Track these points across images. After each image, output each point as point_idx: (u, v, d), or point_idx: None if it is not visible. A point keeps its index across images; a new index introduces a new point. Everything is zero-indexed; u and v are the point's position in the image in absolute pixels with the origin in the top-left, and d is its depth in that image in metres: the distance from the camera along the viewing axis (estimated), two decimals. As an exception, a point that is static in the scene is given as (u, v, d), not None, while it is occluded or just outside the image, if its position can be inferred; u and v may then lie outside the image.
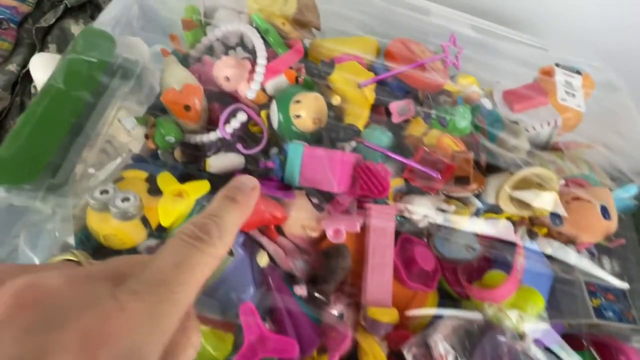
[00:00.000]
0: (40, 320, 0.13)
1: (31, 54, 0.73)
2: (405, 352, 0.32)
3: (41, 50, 0.73)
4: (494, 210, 0.45)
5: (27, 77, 0.72)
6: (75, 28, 0.77)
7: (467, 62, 0.53)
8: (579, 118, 0.55)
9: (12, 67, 0.71)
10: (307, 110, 0.41)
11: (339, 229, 0.36)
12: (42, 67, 0.56)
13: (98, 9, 0.82)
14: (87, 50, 0.34)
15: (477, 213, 0.45)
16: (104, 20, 0.37)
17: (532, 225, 0.45)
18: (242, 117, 0.40)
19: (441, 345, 0.32)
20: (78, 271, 0.16)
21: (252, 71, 0.43)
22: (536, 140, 0.53)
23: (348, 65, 0.46)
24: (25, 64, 0.72)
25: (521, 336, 0.34)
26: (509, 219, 0.45)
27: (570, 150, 0.53)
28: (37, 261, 0.28)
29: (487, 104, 0.52)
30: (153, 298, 0.15)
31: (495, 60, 0.56)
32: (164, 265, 0.16)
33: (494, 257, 0.42)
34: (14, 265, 0.16)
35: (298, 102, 0.41)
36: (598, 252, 0.45)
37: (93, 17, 0.80)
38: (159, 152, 0.43)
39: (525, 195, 0.40)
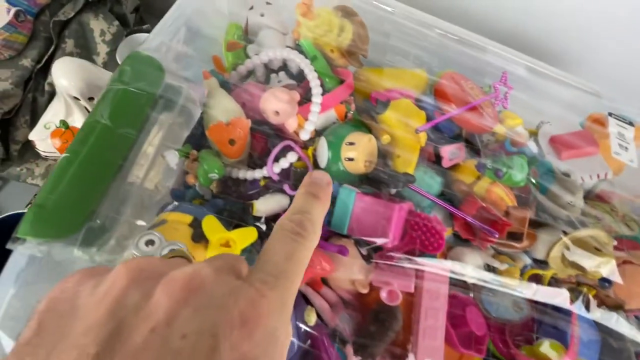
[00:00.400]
0: (207, 302, 0.15)
1: (47, 48, 0.68)
2: None
3: (58, 45, 0.69)
4: (540, 266, 0.43)
5: (40, 73, 0.68)
6: (95, 23, 0.72)
7: (513, 101, 0.51)
8: (622, 167, 0.53)
9: (27, 62, 0.66)
10: (360, 153, 0.38)
11: (394, 291, 0.34)
12: (64, 73, 0.52)
13: (118, 1, 0.77)
14: (135, 81, 0.31)
15: (523, 269, 0.43)
16: (151, 46, 0.34)
17: (578, 285, 0.44)
18: (292, 157, 0.38)
19: None
20: (214, 263, 0.17)
21: (300, 102, 0.41)
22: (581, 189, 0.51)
23: (401, 104, 0.43)
24: (40, 59, 0.68)
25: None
26: (554, 276, 0.43)
27: (617, 204, 0.51)
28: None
29: (533, 147, 0.51)
30: (280, 289, 0.16)
31: (540, 101, 0.54)
32: (279, 259, 0.17)
33: (541, 319, 0.40)
34: (161, 259, 0.18)
35: (351, 144, 0.38)
36: (642, 316, 0.44)
37: (112, 11, 0.76)
38: (196, 185, 0.40)
39: (582, 259, 0.39)
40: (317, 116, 0.38)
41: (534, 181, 0.43)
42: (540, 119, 0.57)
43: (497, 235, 0.38)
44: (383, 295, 0.34)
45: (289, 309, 0.17)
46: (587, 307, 0.39)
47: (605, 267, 0.38)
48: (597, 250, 0.39)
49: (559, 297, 0.38)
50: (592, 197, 0.52)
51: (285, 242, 0.18)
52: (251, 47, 0.47)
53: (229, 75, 0.43)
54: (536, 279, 0.43)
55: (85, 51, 0.71)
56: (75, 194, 0.26)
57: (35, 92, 0.68)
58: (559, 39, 0.66)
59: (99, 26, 0.72)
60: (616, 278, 0.38)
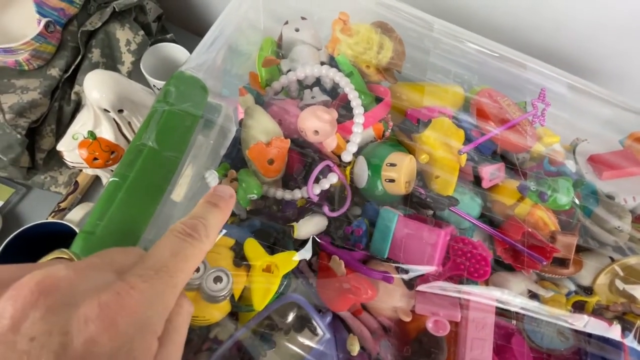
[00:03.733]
0: (61, 301, 0.15)
1: (74, 57, 0.68)
2: None
3: (85, 55, 0.69)
4: (585, 292, 0.42)
5: (67, 83, 0.68)
6: (121, 33, 0.73)
7: (549, 117, 0.50)
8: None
9: (54, 71, 0.67)
10: (402, 175, 0.37)
11: (441, 321, 0.32)
12: (96, 86, 0.52)
13: (142, 11, 0.78)
14: (180, 102, 0.30)
15: (567, 295, 0.41)
16: (195, 65, 0.33)
17: (624, 314, 0.42)
18: (332, 178, 0.37)
19: None
20: (79, 263, 0.18)
21: (337, 121, 0.40)
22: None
23: (440, 123, 0.42)
24: (67, 68, 0.68)
25: None
26: (598, 303, 0.42)
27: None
28: None
29: (571, 166, 0.49)
30: (156, 281, 0.17)
31: (578, 118, 0.53)
32: (163, 255, 0.19)
33: (588, 349, 0.38)
34: (16, 265, 0.18)
35: (393, 165, 0.37)
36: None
37: (137, 20, 0.76)
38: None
39: (636, 290, 0.37)
40: (360, 138, 0.37)
41: (579, 204, 0.42)
42: (577, 136, 0.56)
43: (545, 262, 0.36)
44: (429, 325, 0.33)
45: (169, 301, 0.18)
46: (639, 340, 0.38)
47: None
48: (648, 279, 0.38)
49: (612, 331, 0.36)
50: (634, 218, 0.50)
51: (173, 241, 0.19)
52: (285, 62, 0.46)
53: (264, 92, 0.43)
54: (580, 307, 0.41)
55: (111, 60, 0.72)
56: (123, 219, 0.26)
57: (62, 101, 0.68)
58: (596, 55, 0.64)
59: (124, 36, 0.73)
60: None
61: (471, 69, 0.44)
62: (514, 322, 0.39)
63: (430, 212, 0.41)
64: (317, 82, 0.47)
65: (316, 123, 0.37)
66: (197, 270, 0.28)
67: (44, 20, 0.62)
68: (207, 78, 0.34)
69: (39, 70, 0.66)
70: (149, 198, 0.27)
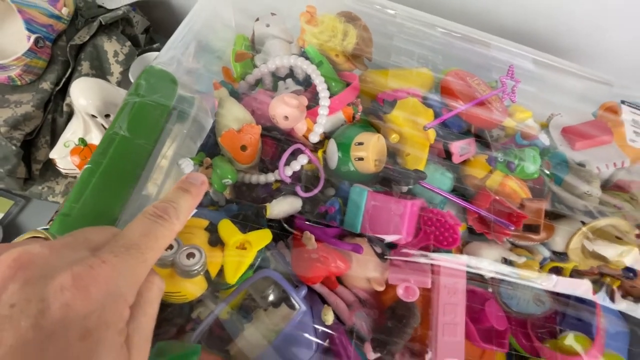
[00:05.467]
0: (37, 274, 0.17)
1: (64, 71, 0.71)
2: None
3: (74, 67, 0.72)
4: (560, 258, 0.43)
5: (59, 95, 0.71)
6: (109, 45, 0.75)
7: (522, 95, 0.51)
8: (638, 157, 0.52)
9: (46, 85, 0.70)
10: (370, 153, 0.38)
11: (411, 287, 0.34)
12: (83, 92, 0.55)
13: (129, 24, 0.81)
14: (150, 93, 0.32)
15: (542, 262, 0.42)
16: (164, 60, 0.36)
17: (601, 276, 0.43)
18: (302, 159, 0.38)
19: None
20: (54, 242, 0.20)
21: (308, 107, 0.41)
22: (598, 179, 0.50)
23: (408, 103, 0.43)
24: (58, 81, 0.71)
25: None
26: (575, 268, 0.42)
27: (635, 192, 0.50)
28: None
29: (544, 140, 0.50)
30: (127, 256, 0.19)
31: (550, 94, 0.54)
32: (134, 234, 0.20)
33: (564, 312, 0.39)
34: (3, 244, 0.20)
35: (360, 144, 0.39)
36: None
37: (124, 33, 0.79)
38: (210, 191, 0.41)
39: (604, 249, 0.38)
40: (326, 119, 0.39)
41: (547, 172, 0.43)
42: (551, 111, 0.56)
43: (512, 228, 0.37)
44: (400, 291, 0.34)
45: (140, 275, 0.20)
46: (612, 298, 0.38)
47: (629, 256, 0.37)
48: (618, 239, 0.38)
49: (581, 287, 0.37)
50: (610, 186, 0.51)
51: (144, 222, 0.21)
52: (259, 57, 0.48)
53: (238, 85, 0.45)
54: (557, 272, 0.42)
55: (100, 72, 0.74)
56: (98, 203, 0.28)
57: (55, 113, 0.71)
58: (568, 33, 0.65)
59: (112, 47, 0.75)
60: (634, 261, 0.38)
61: (435, 51, 0.45)
62: (490, 289, 0.40)
63: (405, 188, 0.42)
64: (291, 73, 0.49)
65: (285, 109, 0.39)
66: (171, 247, 0.30)
67: (33, 37, 0.65)
68: (177, 72, 0.36)
69: (32, 84, 0.69)
70: (121, 182, 0.29)
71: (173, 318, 0.34)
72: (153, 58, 0.57)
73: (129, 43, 0.77)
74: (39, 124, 0.69)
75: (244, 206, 0.40)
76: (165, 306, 0.34)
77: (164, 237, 0.22)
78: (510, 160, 0.41)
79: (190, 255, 0.30)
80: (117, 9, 0.77)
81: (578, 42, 0.65)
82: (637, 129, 0.48)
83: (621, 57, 0.63)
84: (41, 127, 0.69)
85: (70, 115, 0.71)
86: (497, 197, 0.39)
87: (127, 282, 0.19)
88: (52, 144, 0.69)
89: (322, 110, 0.39)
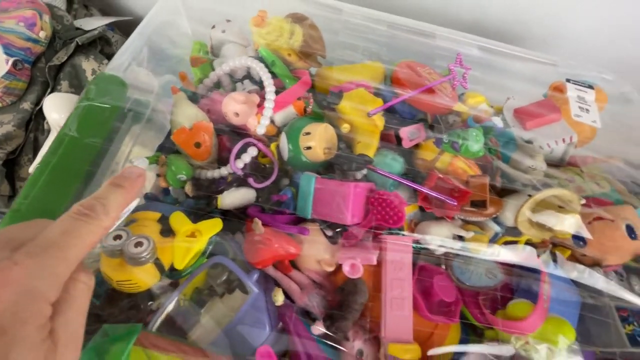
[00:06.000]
0: None
1: (44, 91, 0.74)
2: None
3: (54, 87, 0.75)
4: (513, 233, 0.44)
5: (40, 114, 0.74)
6: (87, 64, 0.79)
7: (476, 82, 0.53)
8: (594, 132, 0.54)
9: (26, 105, 0.72)
10: (317, 141, 0.40)
11: (355, 264, 0.35)
12: (55, 107, 0.57)
13: (108, 43, 0.84)
14: (99, 97, 0.35)
15: (495, 237, 0.43)
16: (116, 65, 0.38)
17: (554, 247, 0.44)
18: (252, 151, 0.40)
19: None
20: None
21: (261, 105, 0.44)
22: (550, 157, 0.52)
23: (356, 94, 0.45)
24: (38, 101, 0.74)
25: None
26: (529, 242, 0.43)
27: (589, 167, 0.51)
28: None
29: (498, 122, 0.52)
30: (44, 256, 0.20)
31: (504, 79, 0.56)
32: (54, 233, 0.21)
33: (517, 284, 0.40)
34: None
35: (308, 133, 0.41)
36: (627, 273, 0.43)
37: (103, 52, 0.82)
38: (170, 189, 0.43)
39: (546, 218, 0.39)
40: (271, 112, 0.41)
41: (495, 150, 0.44)
42: (507, 95, 0.58)
43: (455, 204, 0.39)
44: (345, 269, 0.35)
45: (60, 273, 0.20)
46: (555, 261, 0.40)
47: (570, 223, 0.38)
48: (560, 209, 0.40)
49: (523, 254, 0.38)
50: (565, 163, 0.52)
51: (67, 220, 0.22)
52: (217, 62, 0.51)
53: (195, 88, 0.47)
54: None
55: (79, 90, 0.77)
56: (46, 198, 0.30)
57: (37, 131, 0.74)
58: (523, 21, 0.68)
59: (90, 66, 0.78)
60: (583, 232, 0.39)
61: (381, 44, 0.48)
62: (443, 265, 0.41)
63: (359, 175, 0.44)
64: (248, 75, 0.51)
65: (235, 106, 0.41)
66: (120, 238, 0.32)
67: (11, 60, 0.68)
68: (128, 76, 0.38)
69: (12, 105, 0.72)
70: (70, 179, 0.31)
71: (132, 309, 0.35)
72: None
73: (106, 61, 0.80)
74: (21, 143, 0.71)
75: (200, 200, 0.42)
76: (125, 297, 0.35)
77: (90, 234, 0.22)
78: (454, 141, 0.43)
79: (139, 244, 0.32)
80: (93, 29, 0.81)
81: (532, 30, 0.67)
82: (582, 105, 0.50)
83: (573, 41, 0.65)
84: (23, 146, 0.72)
85: (50, 132, 0.73)
86: (441, 176, 0.41)
87: (46, 281, 0.20)
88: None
89: (268, 104, 0.41)
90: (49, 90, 0.74)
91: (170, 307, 0.35)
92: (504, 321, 0.35)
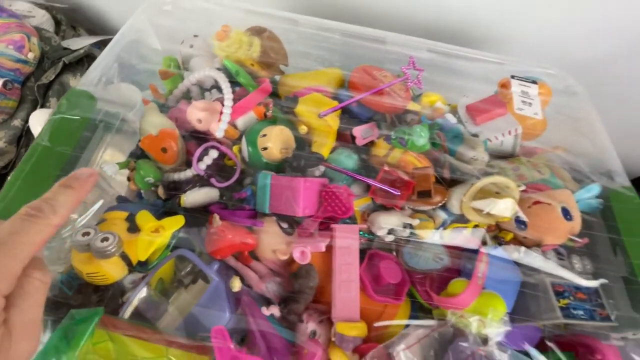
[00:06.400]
0: None
1: (34, 109, 0.79)
2: None
3: (43, 104, 0.80)
4: (461, 220, 0.47)
5: (30, 131, 0.78)
6: (74, 81, 0.83)
7: (434, 83, 0.57)
8: (544, 126, 0.57)
9: (17, 122, 0.77)
10: (273, 142, 0.44)
11: (304, 251, 0.38)
12: (39, 122, 0.61)
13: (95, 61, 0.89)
14: (70, 110, 0.39)
15: (444, 224, 0.47)
16: (87, 81, 0.42)
17: (499, 232, 0.47)
18: (213, 154, 0.44)
19: (403, 355, 0.33)
20: None
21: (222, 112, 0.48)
22: (501, 150, 0.55)
23: (311, 98, 0.49)
24: (28, 118, 0.78)
25: (484, 340, 0.36)
26: (477, 227, 0.47)
27: (536, 157, 0.55)
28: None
29: (451, 118, 0.55)
30: None
31: (459, 80, 0.60)
32: (2, 233, 0.23)
33: (464, 266, 0.43)
34: None
35: (264, 135, 0.45)
36: (568, 252, 0.46)
37: (90, 70, 0.87)
38: (142, 192, 0.47)
39: (482, 204, 0.42)
40: (229, 117, 0.45)
41: (439, 144, 0.48)
42: (463, 94, 0.62)
43: (398, 193, 0.42)
44: (296, 255, 0.39)
45: (10, 268, 0.22)
46: (499, 243, 0.43)
47: (504, 207, 0.41)
48: (497, 194, 0.43)
49: (460, 237, 0.42)
50: (516, 154, 0.56)
51: (15, 221, 0.24)
52: (186, 74, 0.55)
53: (164, 99, 0.51)
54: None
55: (67, 106, 0.82)
56: (21, 201, 0.33)
57: (27, 147, 0.78)
58: (479, 24, 0.72)
59: (77, 83, 0.83)
60: (520, 214, 0.42)
61: (334, 51, 0.52)
62: (394, 253, 0.45)
63: (317, 172, 0.48)
64: (216, 84, 0.55)
65: (197, 113, 0.45)
66: (88, 234, 0.35)
67: (1, 81, 0.73)
68: (98, 91, 0.42)
69: (4, 122, 0.76)
70: (42, 183, 0.35)
71: (102, 301, 0.39)
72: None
73: (92, 78, 0.85)
74: (12, 158, 0.76)
75: (171, 204, 0.45)
76: (96, 289, 0.39)
77: (38, 232, 0.24)
78: (400, 137, 0.46)
79: (105, 239, 0.35)
80: (80, 48, 0.85)
81: (488, 32, 0.71)
82: (525, 99, 0.53)
83: (526, 41, 0.69)
84: (14, 161, 0.76)
85: (40, 147, 0.78)
86: (387, 169, 0.44)
87: None
88: (25, 174, 0.76)
89: (226, 109, 0.45)
90: (38, 107, 0.79)
91: (138, 297, 0.38)
92: (442, 298, 0.38)
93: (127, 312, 0.38)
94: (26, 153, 0.36)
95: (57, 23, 0.94)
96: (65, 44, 0.89)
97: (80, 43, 0.90)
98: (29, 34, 0.78)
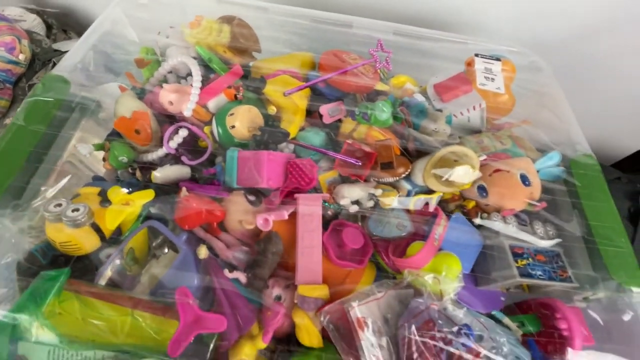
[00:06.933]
0: None
1: (26, 108, 0.82)
2: (322, 318, 0.36)
3: (35, 104, 0.83)
4: (426, 191, 0.48)
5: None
6: (64, 81, 0.86)
7: (402, 65, 0.59)
8: (513, 103, 0.59)
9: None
10: (240, 121, 0.46)
11: (266, 218, 0.40)
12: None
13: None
14: (44, 93, 0.41)
15: (409, 195, 0.48)
16: (63, 67, 0.45)
17: (463, 200, 0.48)
18: (183, 133, 0.46)
19: (358, 310, 0.35)
20: None
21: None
22: (470, 126, 0.57)
23: (279, 79, 0.51)
24: (21, 117, 0.81)
25: (439, 297, 0.37)
26: (443, 198, 0.48)
27: (503, 130, 0.56)
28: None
29: (419, 97, 0.57)
30: None
31: (428, 61, 0.62)
32: None
33: (424, 232, 0.45)
34: None
35: (232, 114, 0.47)
36: (531, 219, 0.47)
37: (81, 71, 0.90)
38: (118, 173, 0.49)
39: (441, 171, 0.44)
40: (197, 97, 0.47)
41: (402, 118, 0.49)
42: (430, 75, 0.64)
43: (359, 164, 0.44)
44: (259, 222, 0.40)
45: None
46: (463, 213, 0.44)
47: (459, 172, 0.43)
48: (456, 162, 0.44)
49: (418, 202, 0.43)
50: (484, 129, 0.57)
51: None
52: (164, 63, 0.57)
53: (139, 85, 0.54)
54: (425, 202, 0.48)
55: (58, 104, 0.85)
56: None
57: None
58: (447, 10, 0.73)
59: (67, 83, 0.86)
60: (471, 176, 0.43)
61: (302, 35, 0.54)
62: (360, 223, 0.46)
63: (287, 150, 0.49)
64: (191, 73, 0.57)
65: (168, 95, 0.47)
66: (60, 205, 0.38)
67: (-7, 80, 0.76)
68: (74, 77, 0.45)
69: (-4, 121, 0.79)
70: (17, 157, 0.37)
71: (78, 272, 0.41)
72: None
73: (81, 77, 0.88)
74: (5, 155, 0.79)
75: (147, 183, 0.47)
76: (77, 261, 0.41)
77: None
78: (363, 112, 0.48)
79: (75, 210, 0.37)
80: (69, 50, 0.88)
81: (459, 16, 0.73)
82: (488, 75, 0.55)
83: (496, 24, 0.71)
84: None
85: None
86: (349, 142, 0.46)
87: None
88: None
89: (194, 89, 0.47)
90: (29, 106, 0.82)
91: (112, 265, 0.40)
92: (401, 260, 0.40)
93: (101, 280, 0.40)
94: (4, 133, 0.38)
95: (49, 27, 0.97)
96: (56, 46, 0.92)
97: (70, 45, 0.92)
98: (20, 36, 0.81)
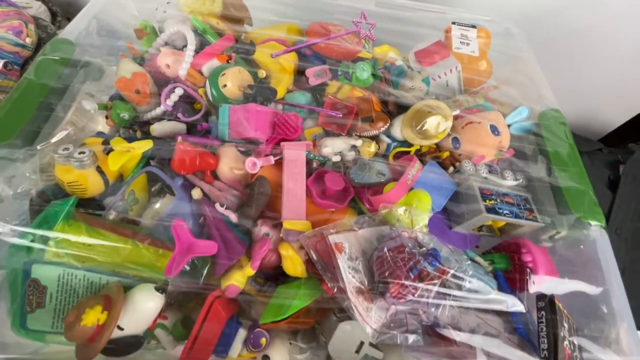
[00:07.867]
0: None
1: (33, 89, 0.87)
2: (302, 242, 0.39)
3: (41, 85, 0.87)
4: (405, 145, 0.52)
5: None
6: (68, 64, 0.91)
7: (384, 34, 0.63)
8: (490, 70, 0.62)
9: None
10: (231, 80, 0.50)
11: (254, 161, 0.44)
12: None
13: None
14: (52, 52, 0.45)
15: (389, 148, 0.52)
16: (69, 32, 0.49)
17: (438, 151, 0.52)
18: (179, 91, 0.50)
19: (336, 236, 0.39)
20: None
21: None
22: (449, 89, 0.61)
23: (268, 45, 0.56)
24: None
25: (410, 228, 0.40)
26: (420, 151, 0.52)
27: (481, 92, 0.60)
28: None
29: (399, 62, 0.61)
30: None
31: (411, 29, 0.65)
32: None
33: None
34: None
35: (223, 75, 0.51)
36: (502, 168, 0.51)
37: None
38: (121, 131, 0.53)
39: (416, 121, 0.48)
40: (191, 58, 0.51)
41: (380, 76, 0.53)
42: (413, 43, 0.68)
43: (340, 115, 0.48)
44: (248, 165, 0.44)
45: None
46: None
47: (435, 122, 0.46)
48: (429, 113, 0.48)
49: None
50: (462, 91, 0.61)
51: None
52: (162, 35, 0.61)
53: (139, 54, 0.58)
54: (403, 154, 0.52)
55: (63, 86, 0.89)
56: (11, 118, 0.40)
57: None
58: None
59: (71, 65, 0.91)
60: (443, 125, 0.47)
61: (289, 5, 0.58)
62: (343, 172, 0.50)
63: (279, 107, 0.53)
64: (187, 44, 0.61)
65: (165, 58, 0.52)
66: (68, 149, 0.42)
67: (1, 62, 0.80)
68: (79, 41, 0.49)
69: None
70: (29, 105, 0.41)
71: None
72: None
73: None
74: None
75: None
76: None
77: None
78: (345, 71, 0.52)
79: (82, 152, 0.41)
80: (73, 35, 0.93)
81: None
82: (463, 40, 0.58)
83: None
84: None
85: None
86: (332, 97, 0.50)
87: None
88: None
89: (188, 52, 0.51)
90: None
91: (115, 207, 0.44)
92: (376, 198, 0.44)
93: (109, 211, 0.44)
94: (16, 85, 0.43)
95: (54, 14, 1.02)
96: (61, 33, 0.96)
97: (74, 31, 0.97)
98: (27, 21, 0.86)
